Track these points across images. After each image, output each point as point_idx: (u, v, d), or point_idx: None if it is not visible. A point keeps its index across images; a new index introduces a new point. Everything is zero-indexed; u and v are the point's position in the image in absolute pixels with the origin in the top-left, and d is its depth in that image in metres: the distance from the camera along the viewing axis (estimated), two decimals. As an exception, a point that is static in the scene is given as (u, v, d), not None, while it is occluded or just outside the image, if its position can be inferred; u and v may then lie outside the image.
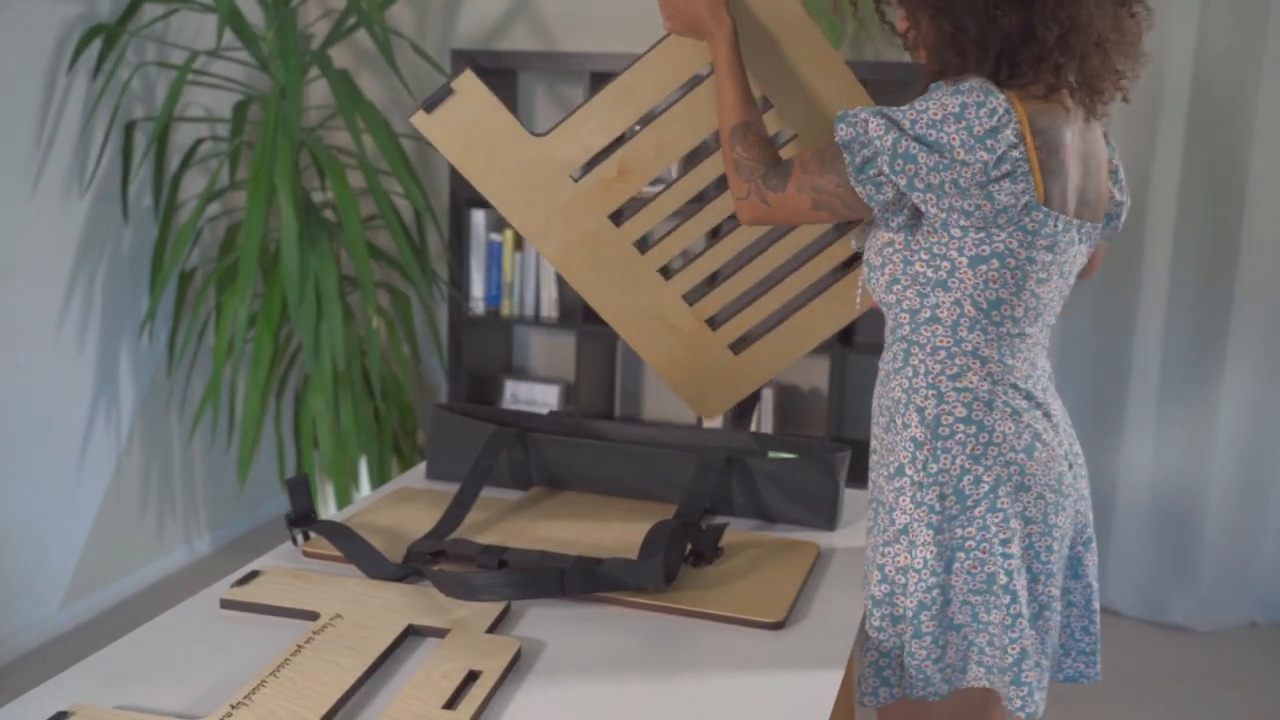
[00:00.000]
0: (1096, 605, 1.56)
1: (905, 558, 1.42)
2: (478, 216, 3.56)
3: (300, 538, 1.55)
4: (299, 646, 1.23)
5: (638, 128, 1.76)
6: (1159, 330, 3.26)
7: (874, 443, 1.52)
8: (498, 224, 3.61)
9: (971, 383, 1.41)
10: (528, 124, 3.70)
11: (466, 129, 1.70)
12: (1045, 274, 1.40)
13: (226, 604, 1.35)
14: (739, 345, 1.85)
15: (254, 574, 1.41)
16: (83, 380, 3.09)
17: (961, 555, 1.41)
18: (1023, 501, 1.42)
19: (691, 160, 3.29)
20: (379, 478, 3.35)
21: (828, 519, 1.67)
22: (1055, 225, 1.38)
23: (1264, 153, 3.14)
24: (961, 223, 1.36)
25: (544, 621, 1.36)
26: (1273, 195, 3.16)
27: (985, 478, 1.41)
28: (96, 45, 3.03)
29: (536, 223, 1.74)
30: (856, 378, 3.58)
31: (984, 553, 1.40)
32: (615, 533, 1.61)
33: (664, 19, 1.62)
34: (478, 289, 3.59)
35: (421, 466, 1.93)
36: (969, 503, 1.41)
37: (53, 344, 2.99)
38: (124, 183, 3.11)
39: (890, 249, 1.43)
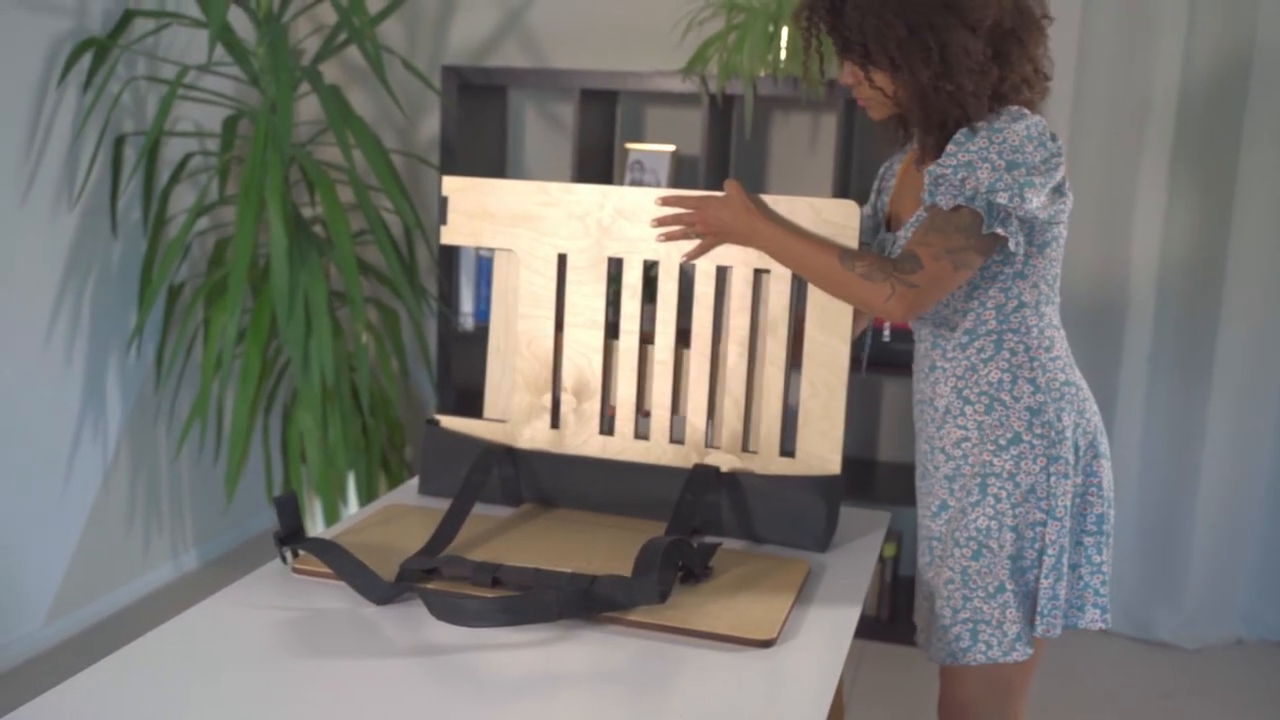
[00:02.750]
0: None
1: (1038, 514, 1.62)
2: (467, 232, 3.56)
3: (289, 555, 1.54)
4: None
5: None
6: (1145, 349, 3.28)
7: (962, 431, 1.67)
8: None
9: (1059, 351, 1.66)
10: (517, 142, 3.71)
11: None
12: (1064, 225, 1.66)
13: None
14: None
15: None
16: (70, 394, 3.08)
17: (1079, 502, 1.65)
18: (1102, 445, 1.68)
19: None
20: (367, 494, 3.34)
21: (819, 542, 1.67)
22: (1068, 198, 1.64)
23: (1251, 166, 3.16)
24: (1050, 225, 1.62)
25: (534, 632, 1.36)
26: (1259, 211, 3.19)
27: (1086, 428, 1.66)
28: (87, 59, 3.03)
29: None
30: (859, 398, 3.59)
31: (1094, 496, 1.66)
32: (606, 549, 1.61)
33: (697, 230, 1.70)
34: (467, 304, 3.59)
35: (411, 483, 1.92)
36: (1082, 453, 1.65)
37: (40, 357, 2.98)
38: (113, 197, 3.11)
39: None
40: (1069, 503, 1.62)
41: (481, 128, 3.50)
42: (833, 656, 1.35)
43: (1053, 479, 1.62)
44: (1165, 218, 3.22)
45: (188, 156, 3.27)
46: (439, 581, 1.48)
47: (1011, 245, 1.54)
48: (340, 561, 1.46)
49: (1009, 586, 1.64)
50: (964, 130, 1.58)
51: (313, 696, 1.20)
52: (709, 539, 1.71)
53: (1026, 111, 1.58)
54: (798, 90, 3.07)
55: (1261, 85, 3.12)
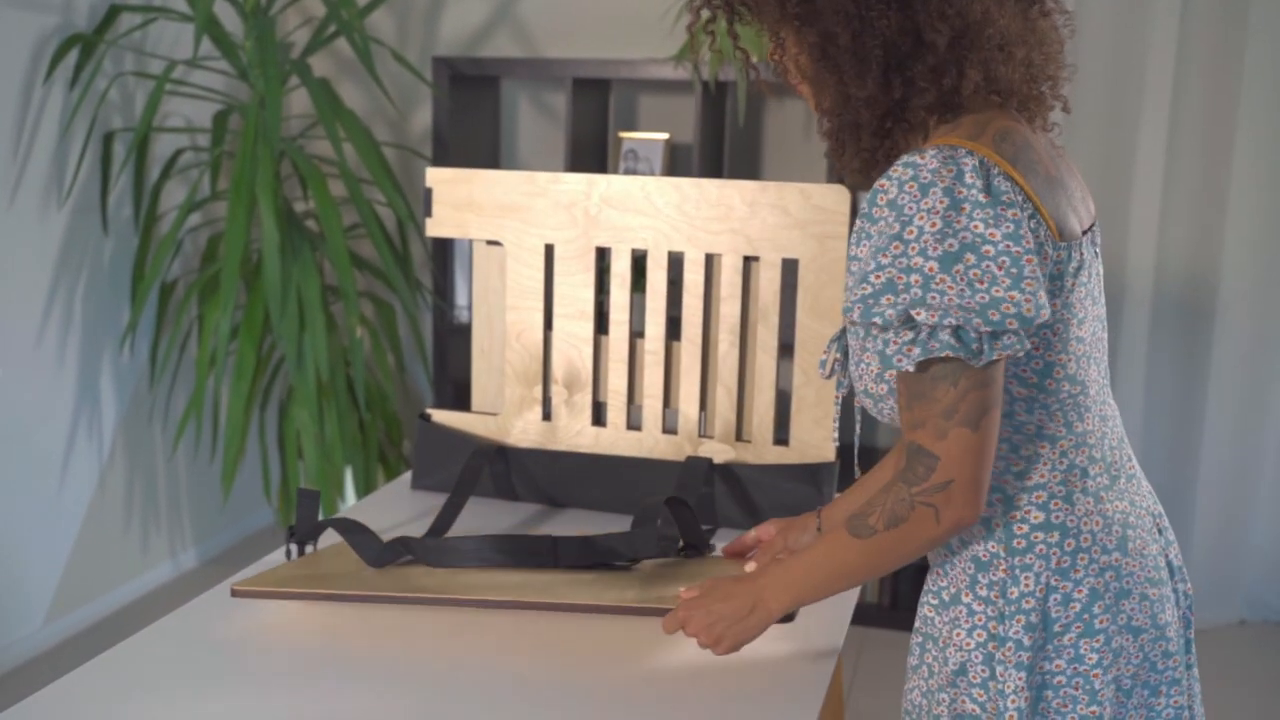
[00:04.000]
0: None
1: (967, 703, 1.17)
2: (461, 224, 3.54)
3: (295, 551, 1.54)
4: None
5: None
6: (1144, 331, 3.26)
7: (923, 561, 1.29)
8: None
9: (1043, 476, 1.16)
10: (510, 133, 3.69)
11: None
12: (1083, 312, 1.16)
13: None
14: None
15: None
16: (63, 393, 3.07)
17: (1049, 694, 1.16)
18: (1126, 611, 1.17)
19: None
20: (364, 488, 3.33)
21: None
22: (1079, 255, 1.15)
23: (1244, 165, 3.14)
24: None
25: (521, 621, 1.35)
26: (1254, 201, 3.17)
27: (1076, 594, 1.15)
28: (73, 55, 3.01)
29: None
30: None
31: (1076, 688, 1.15)
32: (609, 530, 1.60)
33: (713, 646, 1.24)
34: (462, 297, 3.57)
35: (407, 476, 1.91)
36: (1056, 628, 1.15)
37: (32, 357, 2.96)
38: (103, 194, 3.09)
39: (891, 371, 1.14)
40: (1020, 703, 1.14)
41: (474, 119, 3.48)
42: (829, 641, 1.34)
43: (996, 663, 1.16)
44: (1160, 214, 3.20)
45: (178, 152, 3.25)
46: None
47: (1023, 352, 1.08)
48: (352, 529, 1.45)
49: None
50: (870, 198, 1.12)
51: (312, 691, 1.19)
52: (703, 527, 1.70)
53: (943, 149, 1.09)
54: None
55: (1255, 81, 3.10)
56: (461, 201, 1.79)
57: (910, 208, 1.07)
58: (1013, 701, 1.14)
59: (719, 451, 1.73)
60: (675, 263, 3.20)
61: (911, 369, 1.08)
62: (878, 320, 1.07)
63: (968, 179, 1.07)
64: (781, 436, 1.77)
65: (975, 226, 1.06)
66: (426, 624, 1.36)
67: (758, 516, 1.67)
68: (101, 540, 3.24)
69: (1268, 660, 3.16)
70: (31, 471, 2.99)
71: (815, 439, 1.70)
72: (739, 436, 1.74)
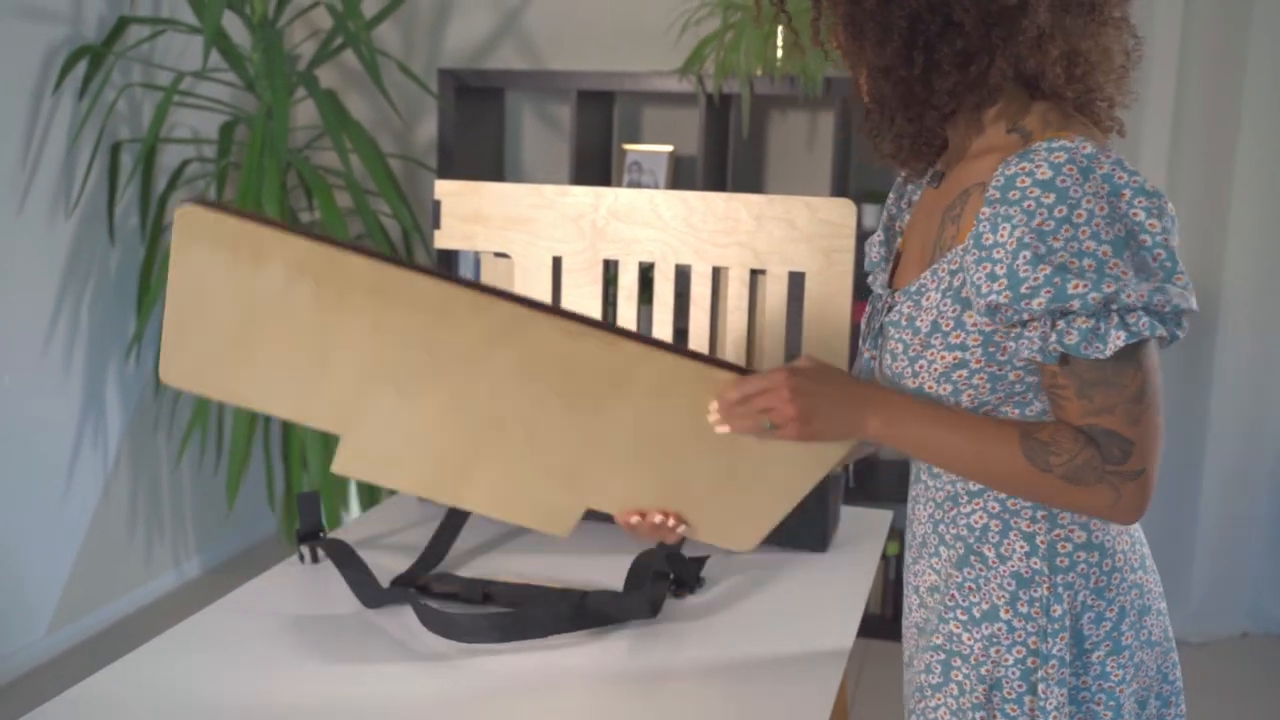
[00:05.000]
0: None
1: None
2: (466, 235, 3.55)
3: (308, 554, 1.55)
4: None
5: None
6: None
7: (935, 577, 1.21)
8: (486, 242, 3.60)
9: None
10: (514, 145, 3.70)
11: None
12: None
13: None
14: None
15: None
16: (69, 402, 3.07)
17: (1071, 709, 1.14)
18: (1148, 627, 1.17)
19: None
20: (368, 499, 3.33)
21: (818, 541, 1.66)
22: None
23: (1246, 174, 3.15)
24: None
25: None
26: (1256, 210, 3.18)
27: (1108, 613, 1.14)
28: (82, 66, 3.02)
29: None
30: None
31: (1099, 704, 1.14)
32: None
33: (790, 425, 1.13)
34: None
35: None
36: (1086, 645, 1.14)
37: (39, 366, 2.97)
38: (110, 204, 3.10)
39: (963, 370, 1.12)
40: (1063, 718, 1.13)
41: (479, 131, 3.50)
42: (836, 654, 1.34)
43: (1039, 680, 1.14)
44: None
45: (185, 163, 3.26)
46: (429, 599, 1.47)
47: (1182, 333, 1.06)
48: (347, 561, 1.45)
49: None
50: (1014, 186, 1.05)
51: (316, 702, 1.20)
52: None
53: (1072, 139, 1.05)
54: (795, 89, 3.06)
55: (1257, 89, 3.11)
56: (470, 214, 1.80)
57: (1075, 191, 1.02)
58: (1054, 718, 1.12)
59: None
60: (682, 275, 3.21)
61: (1105, 356, 1.03)
62: (1075, 304, 1.02)
63: (1126, 166, 1.05)
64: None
65: (1136, 214, 1.03)
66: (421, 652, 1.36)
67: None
68: (105, 549, 3.25)
69: (1270, 672, 3.16)
70: (36, 480, 2.99)
71: (821, 450, 1.70)
72: None
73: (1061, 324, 1.03)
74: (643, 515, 1.28)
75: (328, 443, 3.16)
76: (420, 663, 1.30)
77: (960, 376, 1.12)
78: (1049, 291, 1.02)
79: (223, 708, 1.19)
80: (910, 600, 1.27)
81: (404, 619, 1.41)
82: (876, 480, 3.34)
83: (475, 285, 1.12)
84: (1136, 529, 1.18)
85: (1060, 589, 1.13)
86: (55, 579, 3.08)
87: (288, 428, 3.32)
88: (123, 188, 3.17)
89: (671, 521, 1.27)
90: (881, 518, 1.84)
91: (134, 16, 3.03)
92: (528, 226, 1.78)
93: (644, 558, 1.45)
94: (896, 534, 3.36)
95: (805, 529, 1.66)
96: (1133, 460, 1.06)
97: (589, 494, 1.27)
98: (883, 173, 3.40)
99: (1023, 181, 1.04)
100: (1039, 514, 1.14)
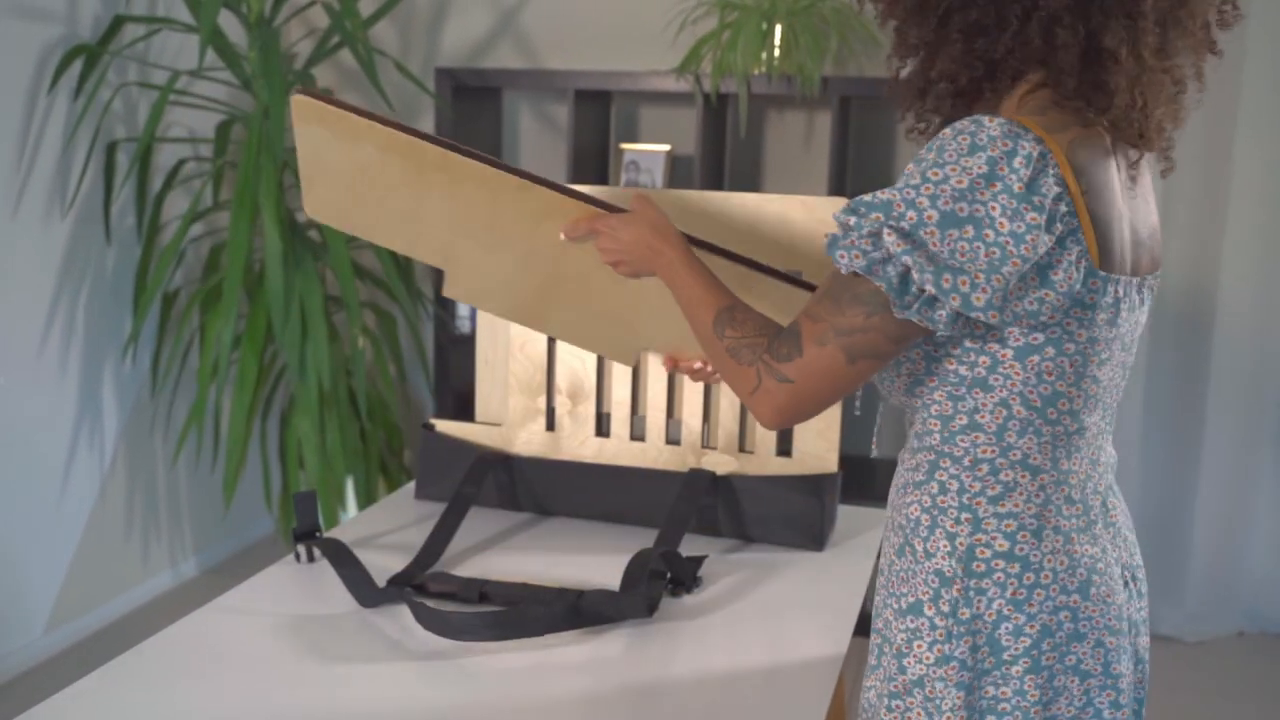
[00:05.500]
0: None
1: (919, 714, 1.15)
2: (463, 235, 3.55)
3: (304, 553, 1.55)
4: None
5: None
6: (1143, 343, 3.27)
7: (881, 562, 1.24)
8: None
9: (1017, 505, 1.13)
10: (512, 144, 3.70)
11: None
12: (1107, 353, 1.13)
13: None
14: None
15: None
16: (65, 402, 3.07)
17: (991, 718, 1.14)
18: (1076, 654, 1.14)
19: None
20: (365, 498, 3.33)
21: (815, 540, 1.66)
22: (1116, 291, 1.10)
23: (1242, 180, 3.16)
24: (1022, 321, 1.08)
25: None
26: (1253, 216, 3.18)
27: (1028, 629, 1.12)
28: (77, 66, 3.02)
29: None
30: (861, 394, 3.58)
31: (1003, 712, 1.14)
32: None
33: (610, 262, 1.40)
34: (463, 307, 3.58)
35: (409, 486, 1.92)
36: (1005, 656, 1.13)
37: (35, 366, 2.97)
38: (106, 204, 3.10)
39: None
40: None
41: (476, 130, 3.49)
42: (833, 654, 1.34)
43: (938, 680, 1.14)
44: (1161, 209, 3.21)
45: (181, 162, 3.26)
46: (425, 598, 1.47)
47: (939, 332, 1.06)
48: (343, 560, 1.45)
49: None
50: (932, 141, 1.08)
51: (312, 701, 1.20)
52: (704, 539, 1.70)
53: (1015, 126, 1.03)
54: (792, 88, 3.06)
55: (1253, 94, 3.11)
56: None
57: (951, 155, 1.03)
58: (944, 717, 1.13)
59: (722, 463, 1.74)
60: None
61: (845, 272, 1.07)
62: (858, 214, 1.05)
63: (1016, 163, 1.02)
64: (784, 448, 1.77)
65: (993, 208, 1.02)
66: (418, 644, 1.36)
67: (760, 528, 1.68)
68: (102, 549, 3.24)
69: (1266, 672, 3.16)
70: (33, 480, 2.99)
71: (818, 450, 1.70)
72: (742, 448, 1.75)
73: (853, 235, 1.06)
74: (679, 362, 1.55)
75: (324, 443, 3.16)
76: (416, 663, 1.29)
77: (909, 368, 1.15)
78: (853, 202, 1.07)
79: (219, 707, 1.19)
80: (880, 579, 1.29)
81: (400, 619, 1.41)
82: (874, 479, 3.35)
83: (521, 172, 1.38)
84: (1083, 555, 1.14)
85: (972, 593, 1.13)
86: (52, 579, 3.08)
87: (285, 428, 3.31)
88: (118, 187, 3.17)
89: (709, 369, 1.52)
90: (878, 517, 1.84)
91: (129, 15, 3.03)
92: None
93: (640, 557, 1.45)
94: (894, 533, 3.36)
95: (802, 528, 1.66)
96: (789, 367, 1.10)
97: (642, 337, 1.56)
98: (879, 172, 3.40)
99: (934, 141, 1.06)
100: (963, 516, 1.13)
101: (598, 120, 3.42)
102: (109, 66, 3.03)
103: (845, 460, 3.50)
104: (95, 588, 3.23)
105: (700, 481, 1.67)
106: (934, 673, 1.14)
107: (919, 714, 1.15)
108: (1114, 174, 1.10)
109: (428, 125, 3.76)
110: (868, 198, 1.06)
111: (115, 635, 3.19)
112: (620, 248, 1.37)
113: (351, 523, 1.74)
